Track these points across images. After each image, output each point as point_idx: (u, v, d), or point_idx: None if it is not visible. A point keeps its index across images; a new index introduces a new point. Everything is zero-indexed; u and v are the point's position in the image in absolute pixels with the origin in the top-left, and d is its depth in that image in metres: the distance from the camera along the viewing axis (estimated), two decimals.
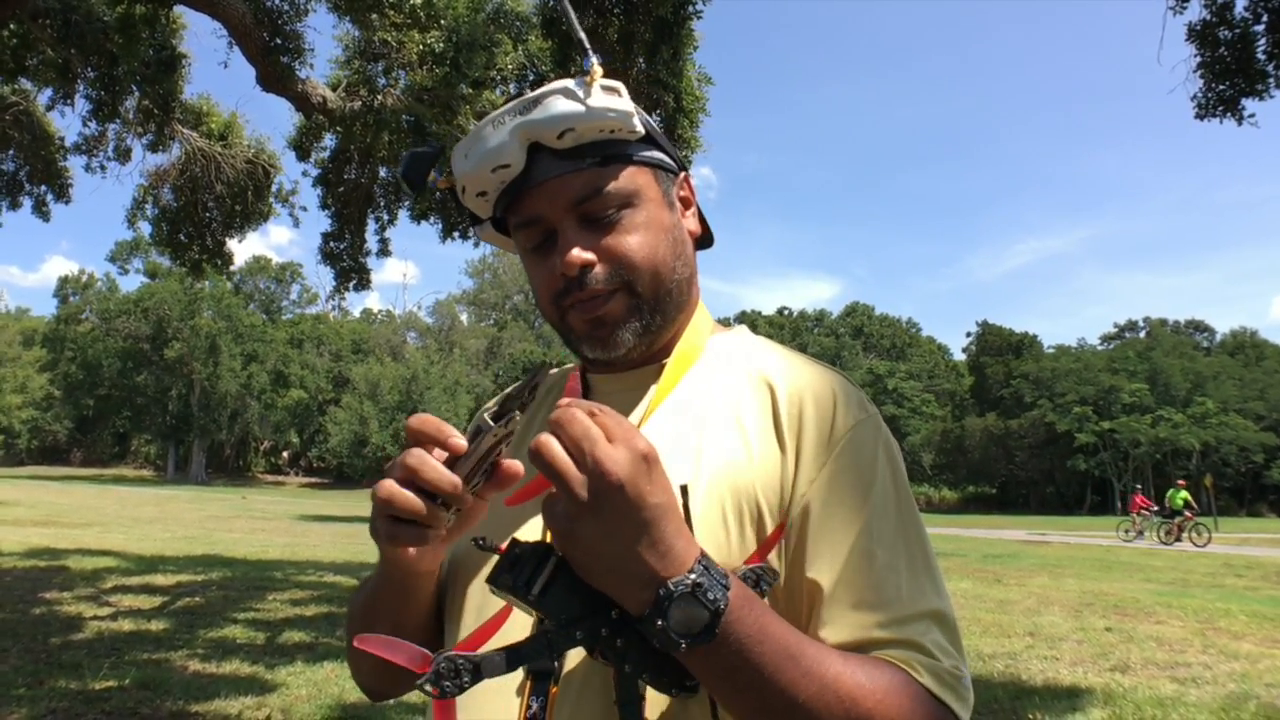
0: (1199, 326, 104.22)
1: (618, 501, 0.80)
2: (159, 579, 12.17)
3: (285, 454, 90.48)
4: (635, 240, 1.07)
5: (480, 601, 1.05)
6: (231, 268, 15.74)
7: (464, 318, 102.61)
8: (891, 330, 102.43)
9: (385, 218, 14.24)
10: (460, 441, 0.88)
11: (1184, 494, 28.54)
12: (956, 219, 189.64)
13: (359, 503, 48.13)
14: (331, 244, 14.11)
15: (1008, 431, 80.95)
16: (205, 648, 7.84)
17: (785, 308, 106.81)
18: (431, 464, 0.86)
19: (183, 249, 14.41)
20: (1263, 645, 9.32)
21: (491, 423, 0.88)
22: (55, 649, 7.45)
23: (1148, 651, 8.84)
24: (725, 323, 1.26)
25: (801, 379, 1.08)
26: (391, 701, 6.06)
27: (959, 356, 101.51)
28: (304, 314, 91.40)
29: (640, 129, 1.08)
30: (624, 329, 1.07)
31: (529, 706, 0.93)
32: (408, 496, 0.87)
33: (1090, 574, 17.00)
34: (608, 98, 1.04)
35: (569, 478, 0.81)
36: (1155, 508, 30.89)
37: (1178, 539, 27.59)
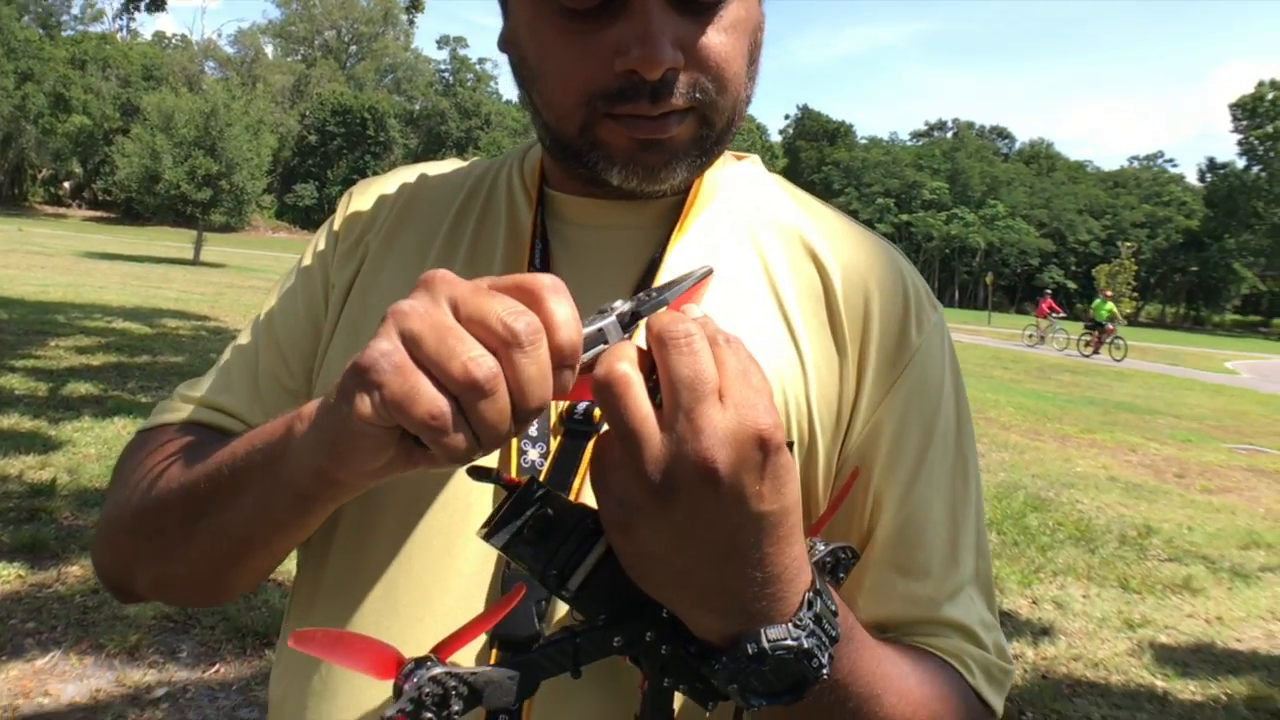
0: (1001, 133, 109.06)
1: (705, 502, 0.52)
2: None
3: (66, 184, 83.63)
4: (731, 46, 0.75)
5: (426, 538, 0.75)
6: None
7: (269, 50, 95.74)
8: None
9: None
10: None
11: (1110, 305, 26.04)
12: None
13: (150, 241, 45.52)
14: None
15: None
16: None
17: None
18: (545, 362, 0.52)
19: None
20: (1027, 437, 10.25)
21: (616, 327, 0.58)
22: None
23: None
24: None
25: (861, 258, 0.83)
26: None
27: (775, 139, 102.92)
28: (87, 33, 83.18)
29: None
30: (681, 163, 0.76)
31: None
32: (500, 411, 0.52)
33: None
34: None
35: (643, 443, 0.52)
36: (1062, 314, 28.92)
37: (1096, 351, 25.40)
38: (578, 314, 0.54)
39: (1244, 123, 72.57)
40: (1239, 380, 21.76)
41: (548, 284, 0.54)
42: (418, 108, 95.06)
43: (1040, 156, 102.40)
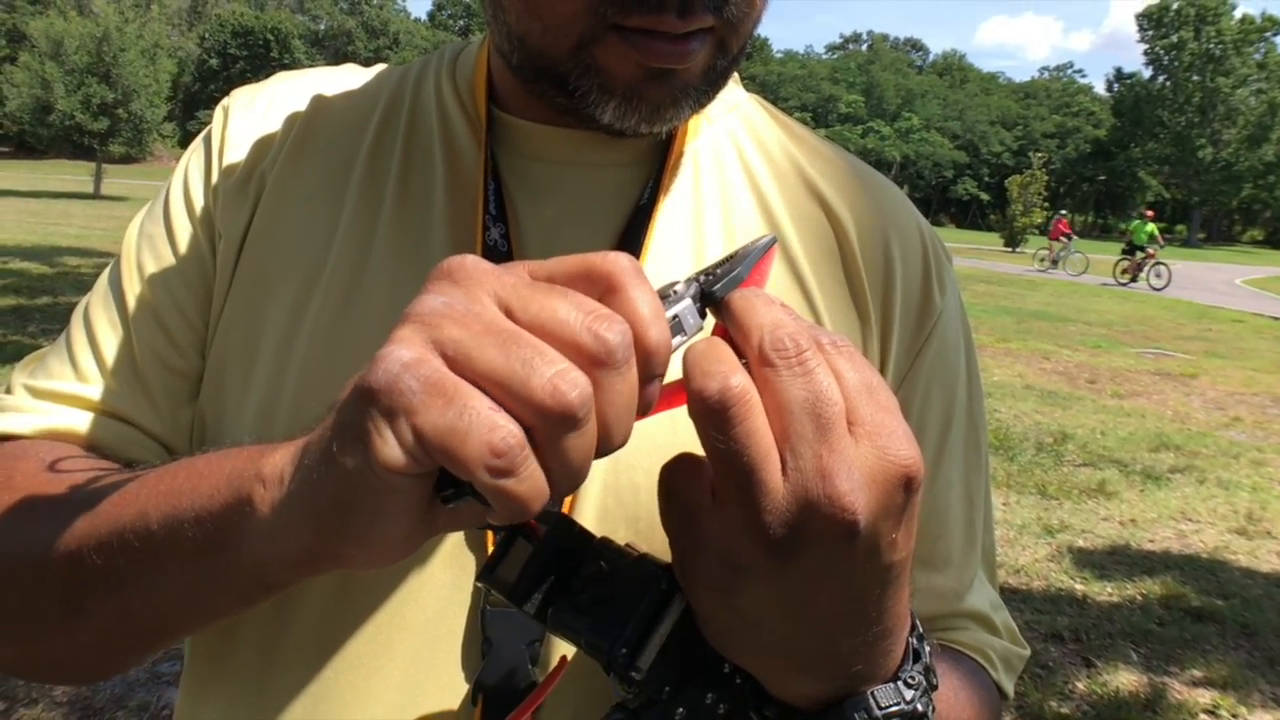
0: (915, 45, 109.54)
1: (833, 559, 0.41)
2: None
3: None
4: None
5: (373, 582, 0.62)
6: None
7: None
8: None
9: None
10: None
11: (1151, 226, 22.44)
12: None
13: (46, 175, 43.52)
14: None
15: None
16: None
17: None
18: (635, 382, 0.40)
19: None
20: None
21: (692, 313, 0.44)
22: None
23: None
24: None
25: (872, 202, 0.72)
26: None
27: None
28: None
29: None
30: (687, 100, 0.61)
31: None
32: (588, 449, 0.39)
33: None
34: None
35: (764, 487, 0.40)
36: (1076, 235, 26.69)
37: (1134, 279, 22.30)
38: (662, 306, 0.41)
39: (1150, 32, 73.70)
40: (1145, 286, 22.27)
41: (627, 267, 0.40)
42: (323, 27, 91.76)
43: (953, 68, 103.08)
